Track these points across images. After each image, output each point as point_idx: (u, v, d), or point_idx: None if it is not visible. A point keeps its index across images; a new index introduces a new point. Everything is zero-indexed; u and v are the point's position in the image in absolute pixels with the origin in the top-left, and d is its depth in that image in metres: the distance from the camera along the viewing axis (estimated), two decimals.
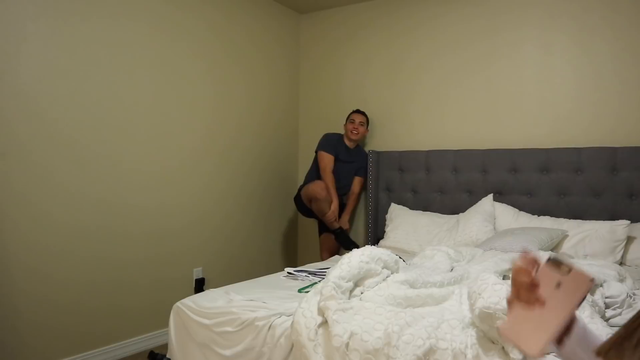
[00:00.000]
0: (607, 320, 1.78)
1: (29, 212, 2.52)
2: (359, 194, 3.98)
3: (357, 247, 3.34)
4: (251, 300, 2.07)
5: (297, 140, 4.43)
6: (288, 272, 2.62)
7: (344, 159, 3.77)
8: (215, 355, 1.97)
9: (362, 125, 3.75)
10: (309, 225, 4.32)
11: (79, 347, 2.75)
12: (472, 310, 1.58)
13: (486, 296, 1.52)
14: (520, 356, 1.39)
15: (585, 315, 1.66)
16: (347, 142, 3.80)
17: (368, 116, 3.88)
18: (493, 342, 1.49)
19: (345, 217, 3.86)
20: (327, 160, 3.68)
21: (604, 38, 3.19)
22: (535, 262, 0.79)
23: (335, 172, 3.72)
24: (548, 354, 0.78)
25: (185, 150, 3.36)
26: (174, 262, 3.31)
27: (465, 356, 1.47)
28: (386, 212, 3.79)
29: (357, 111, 3.82)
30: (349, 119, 3.79)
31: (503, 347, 1.46)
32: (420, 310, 1.75)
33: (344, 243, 3.70)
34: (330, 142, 3.73)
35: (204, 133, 3.51)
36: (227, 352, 1.93)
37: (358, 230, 4.14)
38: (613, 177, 3.10)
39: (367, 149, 4.07)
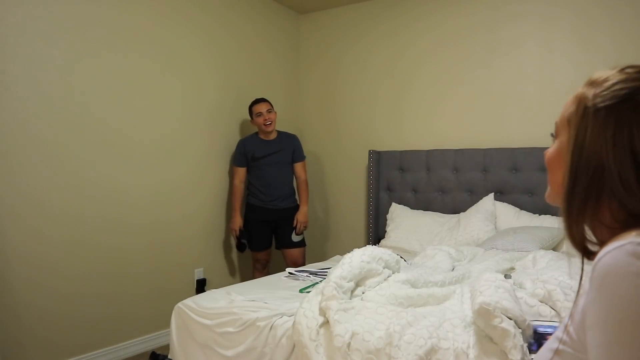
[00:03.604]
0: None
1: (26, 221, 2.52)
2: (306, 180, 3.71)
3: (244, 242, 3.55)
4: (252, 300, 2.07)
5: None
6: (289, 272, 2.62)
7: (267, 153, 3.53)
8: (216, 355, 1.97)
9: (270, 112, 3.48)
10: (310, 225, 4.32)
11: (81, 349, 2.75)
12: (472, 306, 1.58)
13: (487, 294, 1.52)
14: (518, 357, 1.39)
15: None
16: (263, 136, 3.56)
17: (272, 103, 3.62)
18: (492, 341, 1.49)
19: (304, 208, 3.62)
20: (237, 176, 3.56)
21: (605, 35, 3.19)
22: None
23: (264, 170, 3.53)
24: None
25: (185, 151, 3.37)
26: (175, 263, 3.31)
27: (467, 356, 1.47)
28: (387, 212, 3.79)
29: (258, 100, 3.51)
30: (254, 113, 3.49)
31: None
32: (422, 310, 1.75)
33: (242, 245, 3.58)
34: (240, 152, 3.54)
35: (204, 134, 3.51)
36: (229, 353, 1.93)
37: (359, 230, 4.14)
38: None
39: (368, 149, 4.07)
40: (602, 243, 0.69)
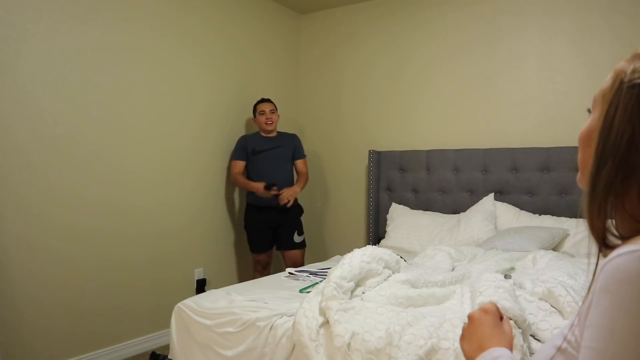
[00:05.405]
0: None
1: (28, 214, 2.52)
2: (307, 174, 3.75)
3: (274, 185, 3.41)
4: (252, 300, 2.07)
5: None
6: (290, 272, 2.62)
7: (267, 147, 3.56)
8: (216, 355, 1.97)
9: (273, 112, 3.55)
10: (310, 226, 4.32)
11: (81, 349, 2.75)
12: (472, 306, 1.58)
13: (487, 294, 1.52)
14: (518, 357, 1.39)
15: None
16: (264, 134, 3.61)
17: (275, 104, 3.63)
18: None
19: (296, 188, 3.57)
20: (236, 168, 3.54)
21: (603, 37, 3.19)
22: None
23: (263, 164, 3.53)
24: None
25: (185, 151, 3.37)
26: (175, 262, 3.31)
27: None
28: (387, 212, 3.79)
29: (263, 100, 3.59)
30: (258, 112, 3.56)
31: None
32: (422, 310, 1.75)
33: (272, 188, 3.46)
34: (240, 146, 3.55)
35: (204, 134, 3.51)
36: (229, 353, 1.93)
37: (359, 230, 4.14)
38: None
39: (368, 149, 4.07)
40: (622, 238, 0.64)
